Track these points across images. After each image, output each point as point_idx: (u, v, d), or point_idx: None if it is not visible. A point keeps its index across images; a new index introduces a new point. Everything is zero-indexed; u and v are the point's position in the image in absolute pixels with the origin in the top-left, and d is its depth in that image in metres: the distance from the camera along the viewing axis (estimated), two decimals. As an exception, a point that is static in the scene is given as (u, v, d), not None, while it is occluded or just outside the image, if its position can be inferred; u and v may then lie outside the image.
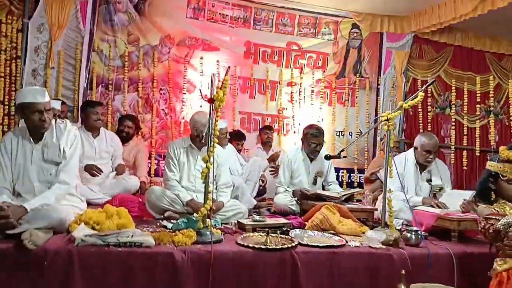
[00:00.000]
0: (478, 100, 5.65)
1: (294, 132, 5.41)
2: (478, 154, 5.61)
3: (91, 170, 3.60)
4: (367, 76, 5.60)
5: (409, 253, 2.58)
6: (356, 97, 5.56)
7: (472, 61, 5.80)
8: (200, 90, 4.84)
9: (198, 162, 3.29)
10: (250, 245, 2.33)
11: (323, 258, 2.41)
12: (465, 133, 5.64)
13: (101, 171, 3.62)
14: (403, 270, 2.31)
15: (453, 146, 5.54)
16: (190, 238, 2.32)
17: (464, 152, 5.57)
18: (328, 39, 5.48)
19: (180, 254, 2.19)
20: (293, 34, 5.37)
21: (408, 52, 5.56)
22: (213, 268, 2.20)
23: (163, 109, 5.02)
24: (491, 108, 5.74)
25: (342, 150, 3.38)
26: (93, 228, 2.30)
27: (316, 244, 2.45)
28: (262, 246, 2.33)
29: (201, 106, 5.07)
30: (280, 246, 2.33)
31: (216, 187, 3.20)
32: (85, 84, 4.74)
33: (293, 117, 5.42)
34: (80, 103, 4.61)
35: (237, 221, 2.96)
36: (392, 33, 5.51)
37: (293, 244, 2.37)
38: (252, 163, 4.17)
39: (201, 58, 5.11)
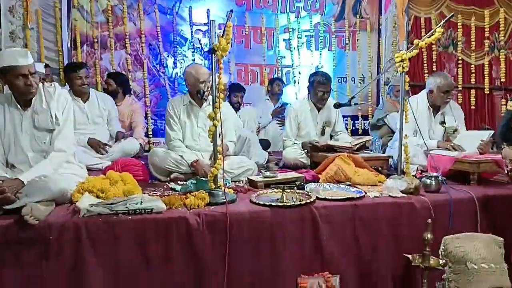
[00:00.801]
0: (486, 35, 5.35)
1: (295, 82, 5.17)
2: (488, 92, 5.43)
3: (98, 147, 3.37)
4: (367, 17, 5.29)
5: (431, 200, 2.47)
6: (357, 40, 5.28)
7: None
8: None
9: (200, 120, 3.11)
10: (267, 203, 2.20)
11: (343, 211, 2.29)
12: (473, 71, 5.42)
13: (108, 146, 3.42)
14: (429, 219, 2.22)
15: (460, 85, 5.33)
16: (203, 200, 2.18)
17: (472, 91, 5.38)
18: (325, -20, 5.12)
19: (194, 217, 2.05)
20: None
21: (409, -11, 5.22)
22: (230, 229, 2.07)
23: (154, 66, 4.73)
24: (496, 44, 5.49)
25: (353, 97, 3.17)
26: (97, 197, 2.14)
27: (335, 198, 2.33)
28: (279, 204, 2.19)
29: (193, 60, 4.80)
30: (298, 202, 2.20)
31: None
32: (69, 44, 4.42)
33: (292, 65, 5.16)
34: (65, 65, 4.32)
35: (247, 178, 2.82)
36: (392, -31, 5.15)
37: (312, 200, 2.24)
38: (243, 114, 3.99)
39: (190, 7, 4.74)
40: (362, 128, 5.39)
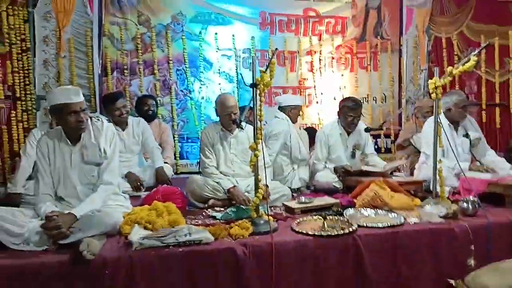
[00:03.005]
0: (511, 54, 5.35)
1: (317, 103, 5.24)
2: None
3: (136, 184, 3.40)
4: (388, 38, 5.35)
5: (470, 225, 2.48)
6: (378, 60, 5.34)
7: (494, 13, 5.50)
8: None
9: (233, 146, 3.19)
10: (310, 232, 2.24)
11: (384, 239, 2.32)
12: (497, 90, 5.43)
13: (143, 187, 3.42)
14: (472, 246, 2.24)
15: (483, 103, 5.32)
16: (247, 229, 2.23)
17: (497, 109, 5.37)
18: (346, 2, 5.21)
19: (241, 248, 2.10)
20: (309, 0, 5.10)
21: (429, 9, 5.28)
22: (275, 259, 2.11)
23: (182, 90, 4.85)
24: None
25: (384, 122, 3.23)
26: (145, 228, 2.21)
27: (375, 225, 2.36)
28: (323, 233, 2.23)
29: (219, 84, 4.91)
30: (342, 232, 2.24)
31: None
32: (99, 71, 4.56)
33: (314, 87, 5.23)
34: (97, 91, 4.47)
35: (283, 204, 2.87)
36: (412, -10, 5.23)
37: (354, 228, 2.27)
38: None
39: (216, 33, 4.88)
40: (385, 146, 5.41)
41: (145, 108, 4.17)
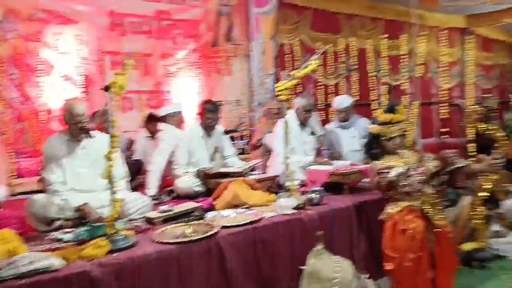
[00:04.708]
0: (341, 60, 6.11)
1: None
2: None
3: None
4: (239, 44, 5.61)
5: (316, 213, 2.79)
6: (232, 65, 5.55)
7: (328, 23, 6.28)
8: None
9: (82, 157, 2.89)
10: (171, 240, 2.20)
11: (244, 236, 2.43)
12: (330, 91, 6.18)
13: None
14: (319, 231, 2.51)
15: (320, 104, 6.00)
16: (103, 248, 2.06)
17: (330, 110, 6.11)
18: (199, 6, 5.26)
19: (99, 269, 1.93)
20: (161, 1, 4.98)
21: (274, 17, 5.72)
22: (138, 274, 2.01)
23: (17, 97, 4.21)
24: (348, 67, 6.36)
25: (241, 124, 3.38)
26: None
27: (235, 224, 2.44)
28: (185, 239, 2.21)
29: (64, 88, 4.44)
30: (204, 235, 2.25)
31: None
32: None
33: (169, 91, 5.15)
34: None
35: (144, 216, 2.75)
36: (259, -2, 5.58)
37: (216, 230, 2.31)
38: None
39: (57, 33, 4.38)
40: (241, 147, 5.63)
41: None
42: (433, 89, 7.96)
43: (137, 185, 3.76)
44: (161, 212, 2.71)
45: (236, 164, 3.63)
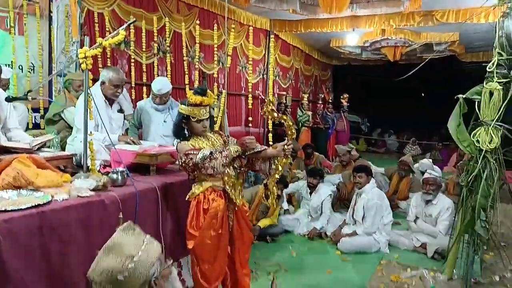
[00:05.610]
0: (155, 38, 5.85)
1: None
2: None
3: None
4: (37, 1, 4.75)
5: (119, 194, 2.60)
6: (25, 24, 4.66)
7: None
8: None
9: None
10: None
11: (29, 222, 2.06)
12: (144, 69, 5.89)
13: None
14: (121, 214, 2.34)
15: (133, 83, 5.64)
16: None
17: (144, 88, 5.84)
18: None
19: None
20: None
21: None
22: None
23: None
24: (161, 47, 6.18)
25: (30, 91, 2.82)
26: None
27: (17, 208, 2.04)
28: None
29: None
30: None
31: None
32: None
33: None
34: None
35: None
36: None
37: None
38: None
39: None
40: (33, 122, 4.83)
41: None
42: (242, 82, 8.63)
43: None
44: None
45: (23, 138, 3.04)
